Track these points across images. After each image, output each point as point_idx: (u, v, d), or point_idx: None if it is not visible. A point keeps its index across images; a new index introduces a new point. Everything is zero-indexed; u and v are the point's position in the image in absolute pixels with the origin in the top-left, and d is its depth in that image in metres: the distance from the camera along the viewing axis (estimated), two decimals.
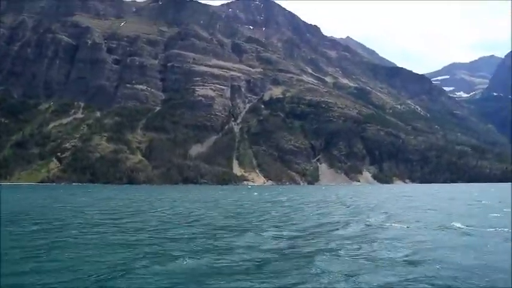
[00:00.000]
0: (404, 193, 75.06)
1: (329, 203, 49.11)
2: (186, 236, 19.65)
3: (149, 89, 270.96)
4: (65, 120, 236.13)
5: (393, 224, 23.81)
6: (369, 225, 23.53)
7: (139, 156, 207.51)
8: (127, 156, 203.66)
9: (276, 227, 22.98)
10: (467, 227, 21.90)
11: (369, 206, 40.46)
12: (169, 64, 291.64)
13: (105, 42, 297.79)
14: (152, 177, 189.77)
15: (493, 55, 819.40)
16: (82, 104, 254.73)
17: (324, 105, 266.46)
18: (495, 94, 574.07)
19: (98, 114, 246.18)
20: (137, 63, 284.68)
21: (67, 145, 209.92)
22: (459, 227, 21.95)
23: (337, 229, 22.15)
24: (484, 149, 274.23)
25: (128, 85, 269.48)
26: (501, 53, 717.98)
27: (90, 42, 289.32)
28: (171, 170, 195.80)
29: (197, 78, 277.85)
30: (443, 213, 31.52)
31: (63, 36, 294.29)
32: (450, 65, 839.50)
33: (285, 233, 20.40)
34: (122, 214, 32.85)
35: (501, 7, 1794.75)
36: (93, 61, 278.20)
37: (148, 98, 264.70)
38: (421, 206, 39.33)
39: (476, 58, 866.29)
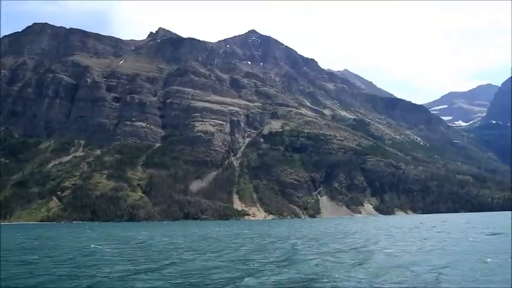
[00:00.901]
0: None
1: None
2: None
3: (149, 125, 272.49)
4: (65, 159, 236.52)
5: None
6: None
7: (139, 193, 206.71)
8: (127, 193, 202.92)
9: None
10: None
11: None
12: (168, 101, 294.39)
13: (105, 81, 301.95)
14: (153, 214, 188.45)
15: (490, 83, 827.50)
16: (82, 142, 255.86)
17: (323, 138, 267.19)
18: (494, 122, 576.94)
19: (98, 151, 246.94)
20: (136, 100, 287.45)
21: (67, 183, 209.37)
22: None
23: None
24: (485, 177, 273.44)
25: (128, 122, 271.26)
26: (498, 81, 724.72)
27: (89, 81, 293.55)
28: (171, 206, 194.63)
29: (196, 114, 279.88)
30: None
31: (64, 76, 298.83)
32: (448, 94, 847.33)
33: None
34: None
35: (497, 36, 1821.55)
36: (93, 99, 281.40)
37: (147, 134, 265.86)
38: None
39: (474, 87, 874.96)
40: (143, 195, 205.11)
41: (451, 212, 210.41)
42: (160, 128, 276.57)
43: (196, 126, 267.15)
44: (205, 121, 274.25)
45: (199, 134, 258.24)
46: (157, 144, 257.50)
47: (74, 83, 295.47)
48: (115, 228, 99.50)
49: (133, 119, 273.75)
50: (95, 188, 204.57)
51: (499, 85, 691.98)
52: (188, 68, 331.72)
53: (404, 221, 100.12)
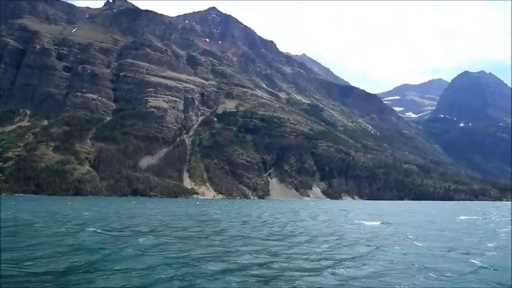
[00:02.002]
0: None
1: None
2: None
3: (100, 98, 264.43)
4: (8, 128, 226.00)
5: None
6: None
7: (87, 167, 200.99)
8: (74, 166, 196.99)
9: None
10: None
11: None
12: (121, 73, 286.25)
13: (55, 48, 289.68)
14: (100, 189, 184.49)
15: (441, 78, 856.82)
16: (28, 112, 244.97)
17: (276, 121, 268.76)
18: (442, 116, 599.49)
19: (45, 122, 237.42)
20: (88, 71, 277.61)
21: (10, 154, 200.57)
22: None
23: None
24: (429, 168, 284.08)
25: (78, 93, 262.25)
26: (449, 78, 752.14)
27: (38, 47, 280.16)
28: (119, 182, 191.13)
29: (150, 89, 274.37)
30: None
31: (10, 40, 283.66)
32: (401, 86, 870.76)
33: None
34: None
35: (451, 35, 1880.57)
36: (42, 67, 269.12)
37: (98, 107, 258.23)
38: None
39: (426, 81, 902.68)
40: (91, 169, 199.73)
41: (395, 199, 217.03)
42: (112, 101, 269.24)
43: (149, 102, 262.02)
44: (159, 97, 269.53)
45: (152, 109, 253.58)
46: (108, 118, 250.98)
47: (21, 48, 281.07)
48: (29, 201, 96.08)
49: (84, 90, 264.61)
50: (40, 160, 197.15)
51: (449, 81, 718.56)
52: (144, 41, 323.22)
53: (338, 205, 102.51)
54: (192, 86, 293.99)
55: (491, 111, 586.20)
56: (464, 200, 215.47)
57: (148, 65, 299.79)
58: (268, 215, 50.42)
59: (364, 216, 46.80)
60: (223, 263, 14.68)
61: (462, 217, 48.22)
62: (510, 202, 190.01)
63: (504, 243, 21.73)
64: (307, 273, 13.21)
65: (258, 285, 11.78)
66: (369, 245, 20.19)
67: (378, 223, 35.77)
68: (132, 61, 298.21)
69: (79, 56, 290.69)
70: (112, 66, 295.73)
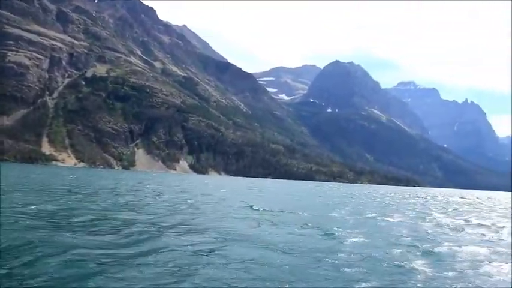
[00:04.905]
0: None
1: None
2: None
3: None
4: None
5: None
6: None
7: None
8: None
9: None
10: None
11: None
12: None
13: None
14: None
15: (315, 65, 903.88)
16: None
17: (148, 90, 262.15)
18: (311, 100, 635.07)
19: None
20: None
21: None
22: None
23: None
24: (294, 149, 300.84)
25: None
26: (322, 64, 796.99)
27: None
28: None
29: (10, 42, 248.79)
30: None
31: None
32: (277, 68, 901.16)
33: None
34: None
35: (327, 24, 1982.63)
36: None
37: None
38: None
39: (301, 65, 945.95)
40: None
41: (260, 177, 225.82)
42: None
43: (8, 56, 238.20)
44: (20, 52, 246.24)
45: (12, 65, 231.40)
46: None
47: None
48: None
49: None
50: None
51: (321, 68, 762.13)
52: None
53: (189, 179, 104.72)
54: (60, 45, 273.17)
55: (356, 100, 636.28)
56: (323, 181, 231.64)
57: (10, 14, 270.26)
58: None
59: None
60: None
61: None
62: (363, 184, 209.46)
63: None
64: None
65: None
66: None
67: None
68: None
69: None
70: None
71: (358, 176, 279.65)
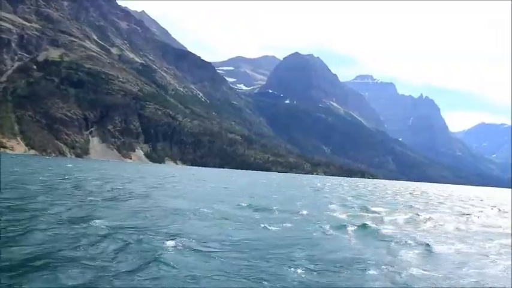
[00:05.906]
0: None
1: None
2: None
3: None
4: None
5: None
6: None
7: None
8: None
9: None
10: None
11: None
12: None
13: None
14: None
15: (274, 56, 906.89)
16: None
17: (104, 77, 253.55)
18: (270, 91, 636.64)
19: None
20: None
21: None
22: None
23: None
24: (252, 139, 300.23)
25: None
26: (281, 56, 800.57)
27: None
28: None
29: None
30: None
31: None
32: (236, 58, 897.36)
33: None
34: None
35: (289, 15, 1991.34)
36: None
37: None
38: None
39: (260, 56, 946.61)
40: None
41: (217, 167, 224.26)
42: None
43: None
44: None
45: None
46: None
47: None
48: None
49: None
50: None
51: (281, 59, 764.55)
52: None
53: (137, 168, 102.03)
54: (9, 26, 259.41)
55: (314, 92, 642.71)
56: (280, 172, 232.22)
57: None
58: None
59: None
60: None
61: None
62: (318, 176, 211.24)
63: None
64: None
65: None
66: None
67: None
68: None
69: None
70: None
71: (314, 167, 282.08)
